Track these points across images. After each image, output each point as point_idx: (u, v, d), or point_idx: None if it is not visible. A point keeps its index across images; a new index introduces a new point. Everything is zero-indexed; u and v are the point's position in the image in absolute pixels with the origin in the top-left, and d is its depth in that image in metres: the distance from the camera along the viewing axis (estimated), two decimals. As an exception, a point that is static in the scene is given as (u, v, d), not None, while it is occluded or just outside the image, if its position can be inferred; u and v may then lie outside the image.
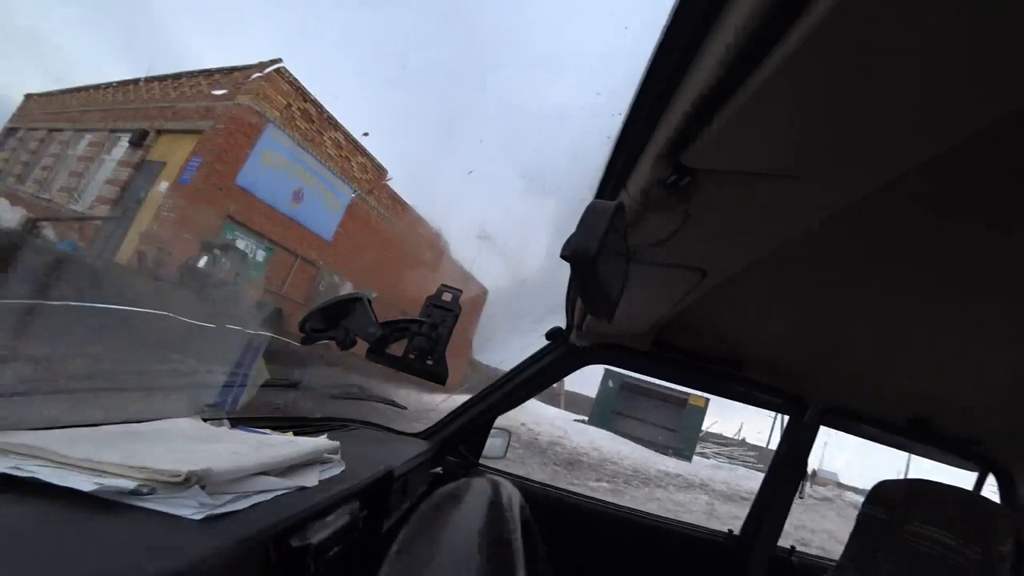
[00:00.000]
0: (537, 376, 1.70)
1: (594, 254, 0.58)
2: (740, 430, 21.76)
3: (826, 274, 1.00)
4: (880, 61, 0.45)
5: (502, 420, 1.85)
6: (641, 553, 1.81)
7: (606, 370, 16.50)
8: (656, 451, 15.03)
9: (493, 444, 1.82)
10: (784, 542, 1.96)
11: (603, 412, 16.86)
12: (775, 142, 0.59)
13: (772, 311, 1.24)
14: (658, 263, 0.95)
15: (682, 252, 0.91)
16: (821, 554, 2.24)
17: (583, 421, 16.58)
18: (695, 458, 16.41)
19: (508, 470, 1.94)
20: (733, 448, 19.19)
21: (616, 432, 15.45)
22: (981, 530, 0.97)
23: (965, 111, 0.50)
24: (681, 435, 16.28)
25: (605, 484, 10.36)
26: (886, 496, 1.18)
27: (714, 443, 19.45)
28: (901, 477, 1.25)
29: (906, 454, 2.11)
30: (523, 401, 1.76)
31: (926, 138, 0.55)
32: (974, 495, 1.09)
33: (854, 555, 1.20)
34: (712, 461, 17.43)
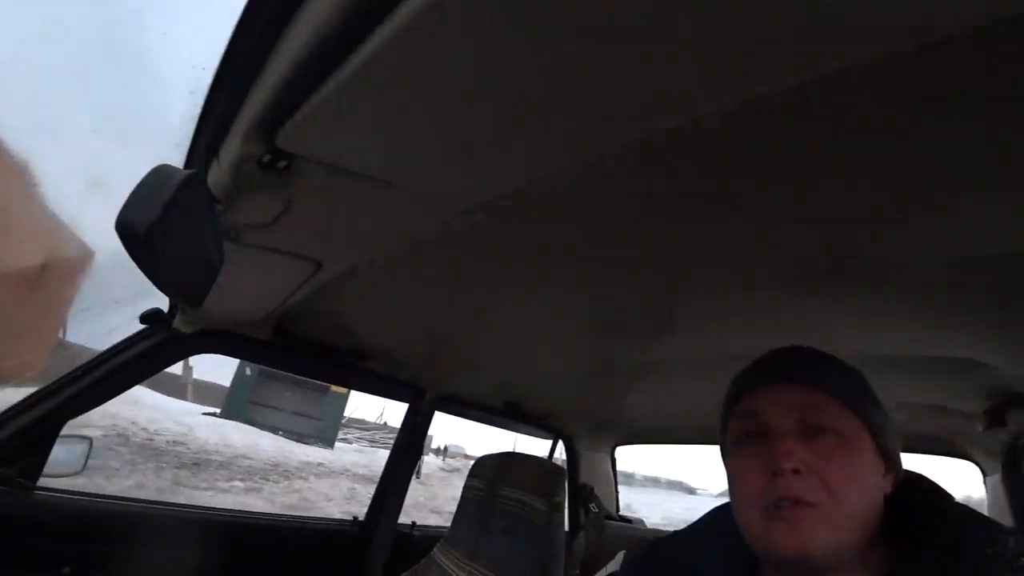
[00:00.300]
0: (129, 367, 1.35)
1: (146, 229, 0.48)
2: (382, 414, 23.00)
3: (436, 273, 1.08)
4: (462, 83, 0.47)
5: (100, 419, 1.41)
6: (257, 560, 1.65)
7: (243, 356, 15.12)
8: (298, 441, 14.61)
9: (65, 455, 1.36)
10: (420, 513, 2.10)
11: (238, 403, 15.29)
12: (364, 143, 0.59)
13: (392, 305, 1.28)
14: (268, 248, 0.87)
15: (293, 240, 0.86)
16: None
17: (214, 414, 14.84)
18: (338, 444, 16.59)
19: (106, 488, 1.50)
20: (375, 432, 20.10)
21: (254, 424, 14.35)
22: (547, 487, 1.22)
23: (555, 147, 0.57)
24: (324, 423, 16.17)
25: (239, 483, 9.58)
26: (483, 469, 1.37)
27: (357, 428, 20.01)
28: (513, 448, 1.49)
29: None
30: (109, 398, 1.36)
31: (523, 166, 0.62)
32: (544, 460, 1.37)
33: (462, 521, 1.35)
34: (355, 446, 17.92)
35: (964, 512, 0.57)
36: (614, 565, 2.03)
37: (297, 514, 2.01)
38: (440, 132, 0.55)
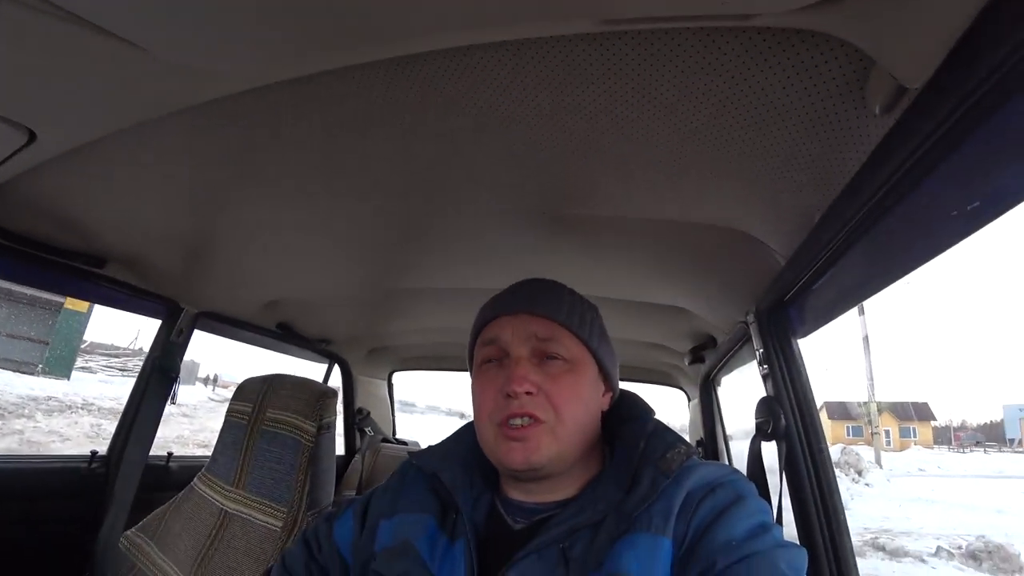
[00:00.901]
0: None
1: None
2: (137, 338, 19.99)
3: (191, 166, 0.95)
4: None
5: None
6: None
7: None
8: (16, 371, 12.03)
9: None
10: (184, 448, 1.90)
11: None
12: None
13: (143, 201, 1.10)
14: None
15: None
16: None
17: None
18: (76, 374, 14.06)
19: None
20: (127, 359, 17.43)
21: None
22: (315, 408, 1.21)
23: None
24: (55, 347, 13.42)
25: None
26: (248, 392, 1.29)
27: (103, 354, 17.13)
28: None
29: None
30: None
31: (278, 60, 0.59)
32: (312, 381, 1.32)
33: (225, 447, 1.27)
34: (100, 376, 15.43)
35: (655, 427, 0.71)
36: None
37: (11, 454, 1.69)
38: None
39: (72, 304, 13.18)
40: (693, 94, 0.62)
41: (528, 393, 0.65)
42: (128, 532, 1.30)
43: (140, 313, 1.71)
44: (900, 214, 0.64)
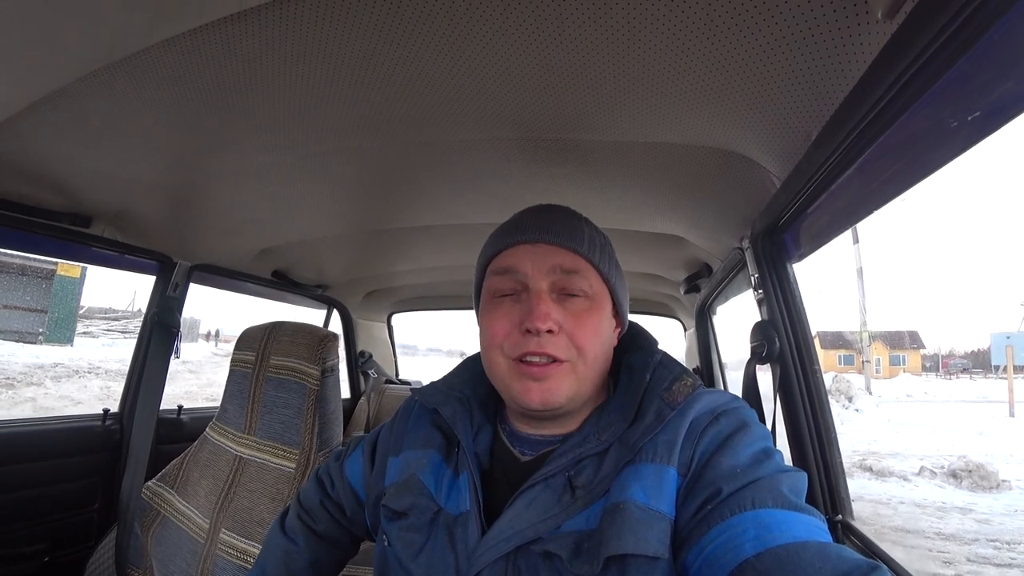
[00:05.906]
0: None
1: None
2: (134, 300, 19.99)
3: (177, 117, 0.91)
4: None
5: None
6: None
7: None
8: (18, 340, 12.07)
9: None
10: (194, 403, 1.93)
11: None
12: None
13: (121, 151, 1.05)
14: None
15: None
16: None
17: None
18: (78, 340, 14.15)
19: None
20: (128, 321, 17.53)
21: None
22: (318, 351, 1.23)
23: None
24: (53, 315, 13.44)
25: (-71, 403, 7.84)
26: (250, 340, 1.30)
27: (102, 318, 17.20)
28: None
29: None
30: None
31: None
32: (312, 326, 1.32)
33: (232, 397, 1.29)
34: (104, 339, 15.53)
35: (661, 358, 0.69)
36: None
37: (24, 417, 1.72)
38: None
39: (64, 270, 13.10)
40: (686, 8, 0.60)
41: (549, 331, 0.62)
42: (149, 483, 1.34)
43: (133, 270, 1.68)
44: (898, 127, 0.62)
